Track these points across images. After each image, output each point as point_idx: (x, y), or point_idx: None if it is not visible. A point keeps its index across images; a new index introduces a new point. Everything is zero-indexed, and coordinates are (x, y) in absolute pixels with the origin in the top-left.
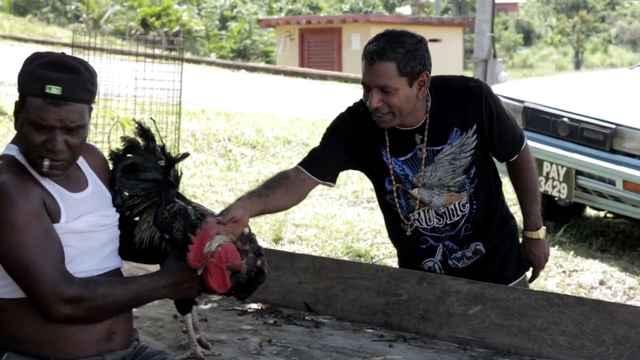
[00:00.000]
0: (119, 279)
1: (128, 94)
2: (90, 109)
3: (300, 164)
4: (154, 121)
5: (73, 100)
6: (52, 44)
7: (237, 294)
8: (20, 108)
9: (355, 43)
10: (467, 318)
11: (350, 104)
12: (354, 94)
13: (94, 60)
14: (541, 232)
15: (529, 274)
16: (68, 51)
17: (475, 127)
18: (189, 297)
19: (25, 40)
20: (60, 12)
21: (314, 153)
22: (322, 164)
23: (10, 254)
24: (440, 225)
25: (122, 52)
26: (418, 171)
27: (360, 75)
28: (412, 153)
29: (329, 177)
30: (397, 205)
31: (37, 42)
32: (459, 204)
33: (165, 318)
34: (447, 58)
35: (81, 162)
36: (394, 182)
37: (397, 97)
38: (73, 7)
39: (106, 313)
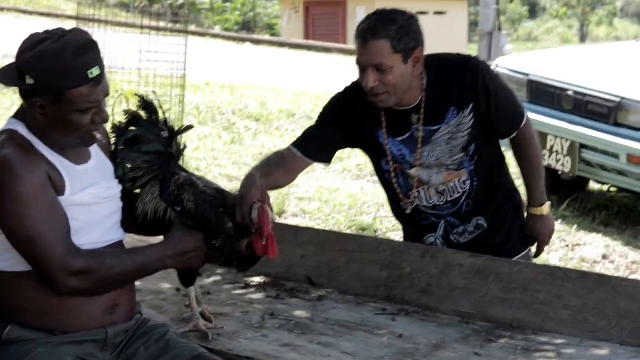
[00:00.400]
0: (125, 250)
1: (132, 66)
2: None
3: (293, 143)
4: (156, 94)
5: (104, 69)
6: (56, 16)
7: (241, 265)
8: (49, 104)
9: (360, 16)
10: (469, 292)
11: (347, 85)
12: None
13: (98, 32)
14: (545, 208)
15: (533, 249)
16: (72, 23)
17: (471, 105)
18: (193, 267)
19: (30, 13)
20: None
21: (307, 133)
22: (315, 145)
23: (16, 228)
24: (441, 203)
25: (126, 25)
26: (415, 151)
27: None
28: (409, 133)
29: (322, 157)
30: (396, 184)
31: (41, 14)
32: (458, 181)
33: (168, 291)
34: (452, 31)
35: None
36: (391, 163)
37: (392, 75)
38: None
39: (113, 284)
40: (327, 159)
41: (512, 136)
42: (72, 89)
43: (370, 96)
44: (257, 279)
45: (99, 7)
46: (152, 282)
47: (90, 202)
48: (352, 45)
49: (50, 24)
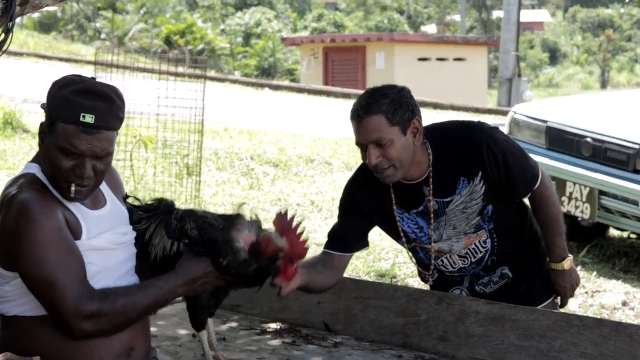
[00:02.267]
0: (136, 285)
1: (151, 112)
2: (116, 134)
3: (326, 247)
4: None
5: (105, 128)
6: (76, 61)
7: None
8: (47, 130)
9: (379, 62)
10: (486, 339)
11: (354, 171)
12: None
13: (116, 78)
14: (566, 263)
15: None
16: (91, 68)
17: (480, 173)
18: (204, 292)
19: (50, 58)
20: (85, 30)
21: (334, 232)
22: (345, 239)
23: (33, 271)
24: (466, 265)
25: (144, 70)
26: (431, 223)
27: None
28: (422, 206)
29: (357, 246)
30: (418, 258)
31: (61, 59)
32: (479, 242)
33: (183, 337)
34: (471, 77)
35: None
36: (407, 243)
37: (393, 148)
38: (98, 24)
39: (127, 322)
40: (362, 245)
41: (526, 197)
42: (62, 122)
43: (377, 173)
44: (273, 325)
45: (118, 52)
46: (168, 328)
47: (106, 247)
48: None
49: (70, 69)
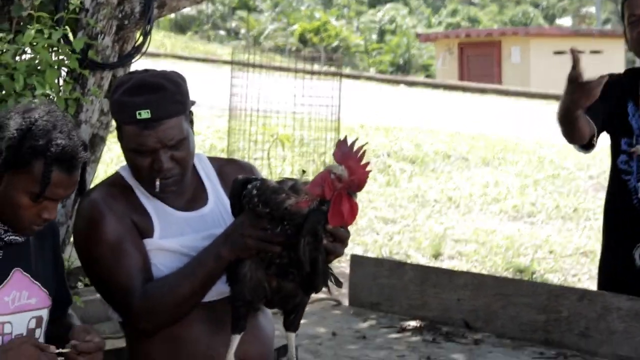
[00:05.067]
0: (178, 270)
1: (287, 110)
2: (189, 117)
3: None
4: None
5: (165, 117)
6: (212, 61)
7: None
8: (118, 136)
9: (515, 56)
10: (628, 335)
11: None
12: (514, 107)
13: (253, 77)
14: None
15: None
16: (228, 68)
17: None
18: (247, 250)
19: (187, 58)
20: (220, 30)
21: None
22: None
23: (87, 270)
24: None
25: (280, 69)
26: None
27: (520, 88)
28: None
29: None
30: (629, 169)
31: (197, 59)
32: None
33: (323, 335)
34: (609, 69)
35: (212, 178)
36: (632, 143)
37: None
38: (233, 24)
39: (180, 305)
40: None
41: None
42: (124, 124)
43: None
44: (412, 323)
45: (254, 51)
46: (308, 326)
47: (179, 250)
48: (507, 85)
49: (206, 69)
